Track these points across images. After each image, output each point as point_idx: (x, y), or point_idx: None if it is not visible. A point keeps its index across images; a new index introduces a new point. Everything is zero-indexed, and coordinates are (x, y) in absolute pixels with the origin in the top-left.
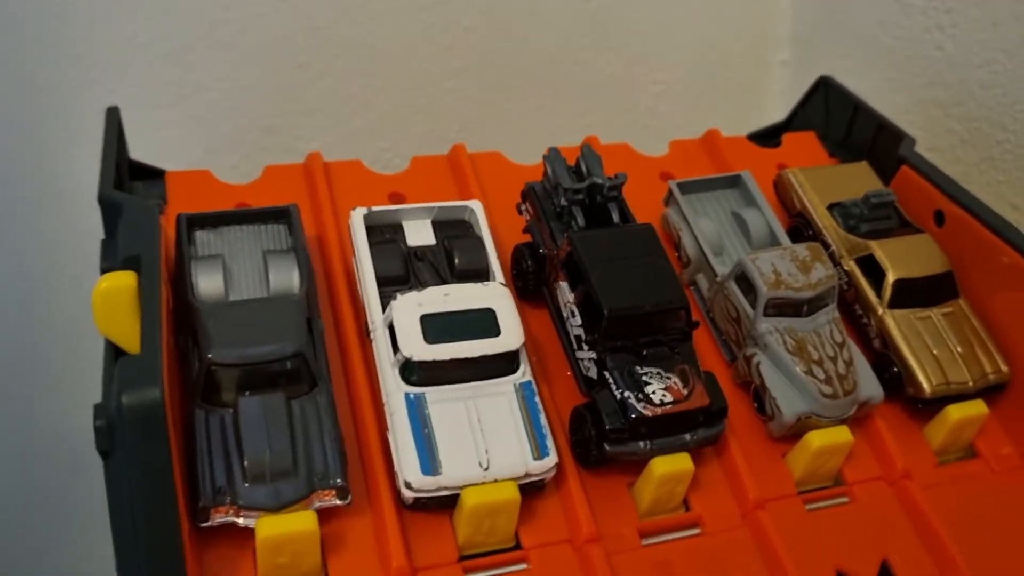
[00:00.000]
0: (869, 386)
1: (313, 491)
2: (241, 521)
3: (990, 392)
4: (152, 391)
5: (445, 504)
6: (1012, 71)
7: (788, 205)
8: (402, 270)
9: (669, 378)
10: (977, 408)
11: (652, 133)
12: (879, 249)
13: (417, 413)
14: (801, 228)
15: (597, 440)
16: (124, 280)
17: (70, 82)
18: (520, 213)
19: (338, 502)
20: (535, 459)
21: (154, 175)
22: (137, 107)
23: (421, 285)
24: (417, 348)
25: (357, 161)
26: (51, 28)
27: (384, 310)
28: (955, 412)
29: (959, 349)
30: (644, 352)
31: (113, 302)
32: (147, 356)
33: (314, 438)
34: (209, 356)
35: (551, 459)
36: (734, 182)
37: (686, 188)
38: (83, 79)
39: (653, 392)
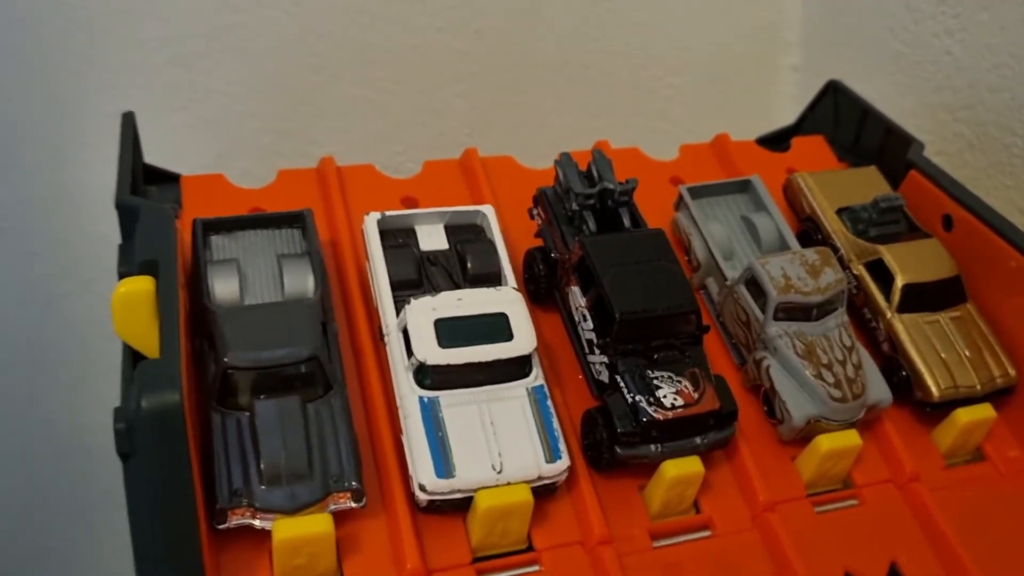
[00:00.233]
0: (878, 390)
1: (328, 494)
2: (257, 523)
3: (998, 396)
4: (171, 395)
5: (459, 506)
6: (1021, 75)
7: (797, 209)
8: (415, 274)
9: (680, 382)
10: (985, 412)
11: (662, 136)
12: (888, 253)
13: (431, 416)
14: (810, 232)
15: (609, 443)
16: (142, 285)
17: (84, 86)
18: (532, 218)
19: (353, 504)
20: (547, 462)
21: (168, 179)
22: (150, 110)
23: (434, 289)
24: (431, 352)
25: (370, 165)
26: (66, 33)
27: (398, 314)
28: (963, 416)
29: (967, 353)
30: (655, 356)
31: (131, 306)
32: (166, 360)
33: (329, 441)
34: (225, 360)
35: (563, 462)
36: (744, 187)
37: (696, 193)
38: (97, 83)
39: (664, 396)
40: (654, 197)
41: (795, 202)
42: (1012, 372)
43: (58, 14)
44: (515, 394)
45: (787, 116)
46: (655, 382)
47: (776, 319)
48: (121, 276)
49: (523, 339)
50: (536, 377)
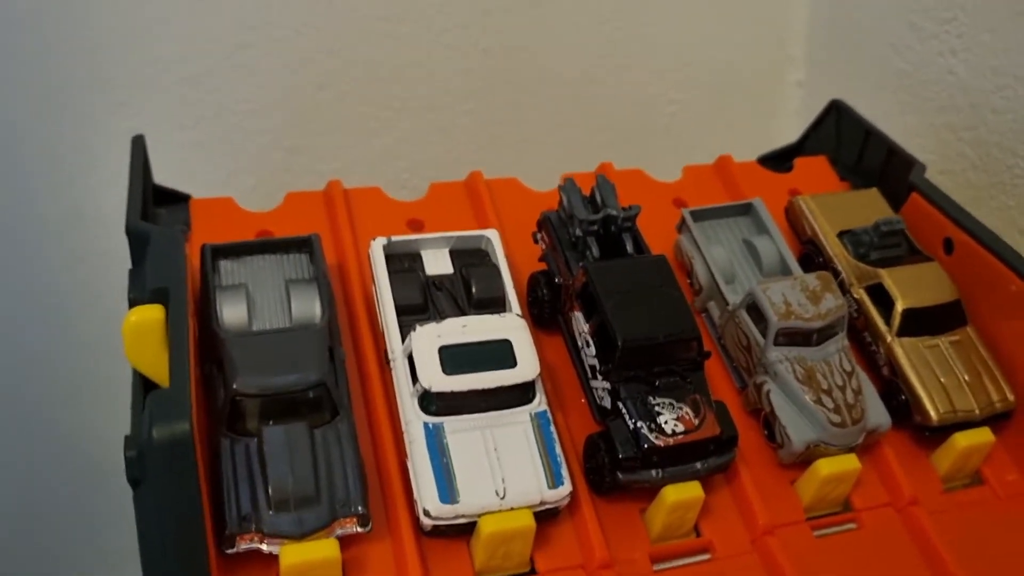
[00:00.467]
0: (877, 414)
1: (335, 519)
2: (265, 547)
3: (996, 420)
4: (182, 424)
5: (462, 531)
6: None
7: (799, 232)
8: (421, 299)
9: (681, 408)
10: (983, 436)
11: (666, 152)
12: (888, 278)
13: (435, 442)
14: (812, 255)
15: (611, 468)
16: (153, 314)
17: (97, 105)
18: (536, 242)
19: (359, 529)
20: (550, 487)
21: (177, 199)
22: (161, 129)
23: (439, 314)
24: (435, 379)
25: (376, 188)
26: (78, 53)
27: (403, 339)
28: (962, 440)
29: (966, 377)
30: (657, 382)
31: (142, 335)
32: (176, 390)
33: (336, 466)
34: (234, 386)
35: (565, 487)
36: (746, 210)
37: (698, 216)
38: (109, 102)
39: (665, 422)
40: (657, 219)
41: (797, 225)
42: (1011, 397)
43: (70, 34)
44: (518, 420)
45: (791, 132)
46: (656, 408)
47: (777, 344)
48: (132, 302)
49: (526, 366)
50: (539, 403)
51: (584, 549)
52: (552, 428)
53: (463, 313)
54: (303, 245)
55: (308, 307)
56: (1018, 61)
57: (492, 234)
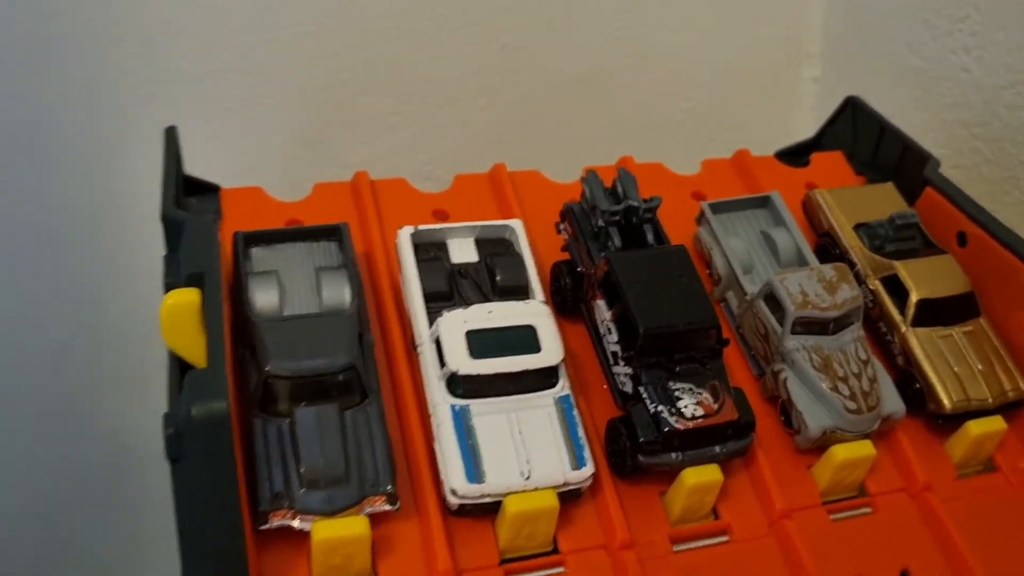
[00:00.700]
0: (892, 402)
1: (364, 497)
2: (297, 524)
3: (1009, 408)
4: (219, 403)
5: (488, 510)
6: None
7: (816, 224)
8: (447, 287)
9: (700, 393)
10: (996, 424)
11: (683, 148)
12: (903, 269)
13: (462, 424)
14: (828, 247)
15: (631, 451)
16: (189, 297)
17: (125, 98)
18: (559, 232)
19: (387, 507)
20: (573, 469)
21: (207, 190)
22: (187, 123)
23: (464, 301)
24: (463, 362)
25: (402, 180)
26: (106, 48)
27: (430, 325)
28: (975, 427)
29: (979, 366)
30: (677, 368)
31: (179, 317)
32: (213, 370)
33: (365, 447)
34: (267, 369)
35: (588, 469)
36: (763, 202)
37: (717, 208)
38: (137, 96)
39: (685, 406)
40: (677, 211)
41: (813, 218)
42: (1023, 386)
43: (99, 30)
44: (543, 403)
45: (807, 128)
46: (676, 393)
47: (794, 333)
48: (167, 287)
49: (551, 351)
50: (563, 387)
51: (606, 530)
52: (575, 412)
53: (488, 300)
54: (333, 233)
55: (338, 293)
56: None
57: (516, 224)
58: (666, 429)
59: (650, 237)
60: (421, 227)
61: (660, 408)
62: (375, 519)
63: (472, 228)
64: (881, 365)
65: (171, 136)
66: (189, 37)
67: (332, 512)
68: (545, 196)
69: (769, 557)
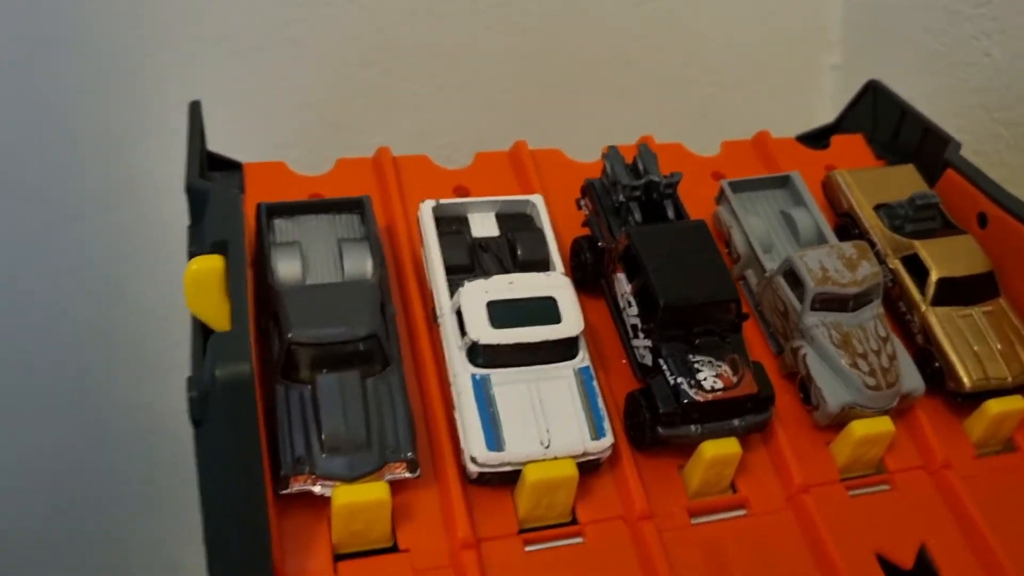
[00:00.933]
0: (911, 379)
1: (385, 463)
2: (318, 489)
3: None
4: (243, 365)
5: (507, 479)
6: None
7: (836, 205)
8: (468, 260)
9: (720, 366)
10: (1015, 403)
11: (704, 132)
12: (923, 249)
13: (483, 393)
14: (848, 227)
15: (651, 423)
16: (213, 263)
17: (146, 78)
18: (579, 208)
19: (408, 475)
20: (592, 439)
21: (230, 166)
22: (209, 102)
23: (485, 274)
24: (484, 332)
25: (424, 156)
26: (128, 27)
27: (451, 297)
28: (994, 406)
29: (999, 346)
30: (696, 341)
31: (203, 282)
32: (237, 333)
33: (386, 414)
34: (289, 336)
35: (607, 439)
36: (783, 182)
37: (737, 187)
38: (158, 76)
39: (704, 379)
40: (696, 191)
41: (833, 198)
42: None
43: (122, 9)
44: (562, 374)
45: (827, 114)
46: (696, 366)
47: (813, 309)
48: (191, 255)
49: (571, 322)
50: (582, 359)
51: (624, 501)
52: (595, 383)
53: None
54: (355, 206)
55: (360, 264)
56: None
57: (537, 199)
58: (685, 401)
59: (670, 212)
60: (443, 201)
61: (680, 380)
62: (395, 487)
63: (493, 203)
64: (900, 343)
65: (195, 110)
66: (212, 18)
67: (353, 478)
68: (565, 174)
69: (787, 532)
